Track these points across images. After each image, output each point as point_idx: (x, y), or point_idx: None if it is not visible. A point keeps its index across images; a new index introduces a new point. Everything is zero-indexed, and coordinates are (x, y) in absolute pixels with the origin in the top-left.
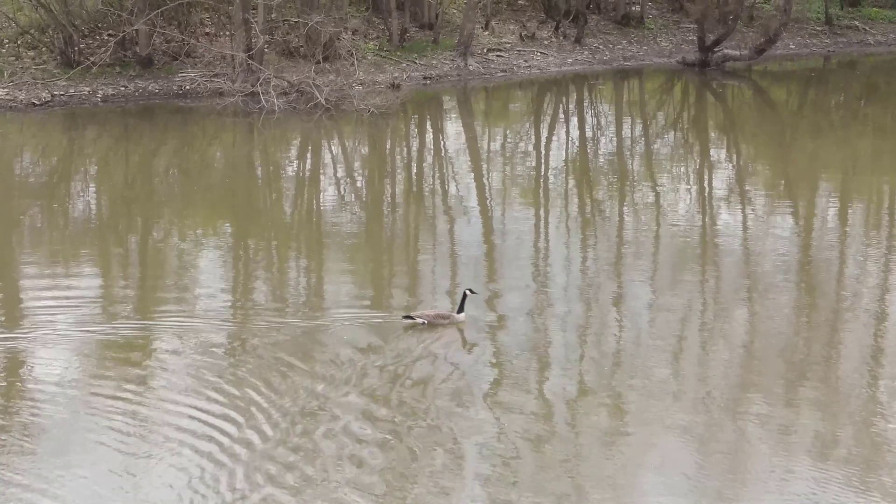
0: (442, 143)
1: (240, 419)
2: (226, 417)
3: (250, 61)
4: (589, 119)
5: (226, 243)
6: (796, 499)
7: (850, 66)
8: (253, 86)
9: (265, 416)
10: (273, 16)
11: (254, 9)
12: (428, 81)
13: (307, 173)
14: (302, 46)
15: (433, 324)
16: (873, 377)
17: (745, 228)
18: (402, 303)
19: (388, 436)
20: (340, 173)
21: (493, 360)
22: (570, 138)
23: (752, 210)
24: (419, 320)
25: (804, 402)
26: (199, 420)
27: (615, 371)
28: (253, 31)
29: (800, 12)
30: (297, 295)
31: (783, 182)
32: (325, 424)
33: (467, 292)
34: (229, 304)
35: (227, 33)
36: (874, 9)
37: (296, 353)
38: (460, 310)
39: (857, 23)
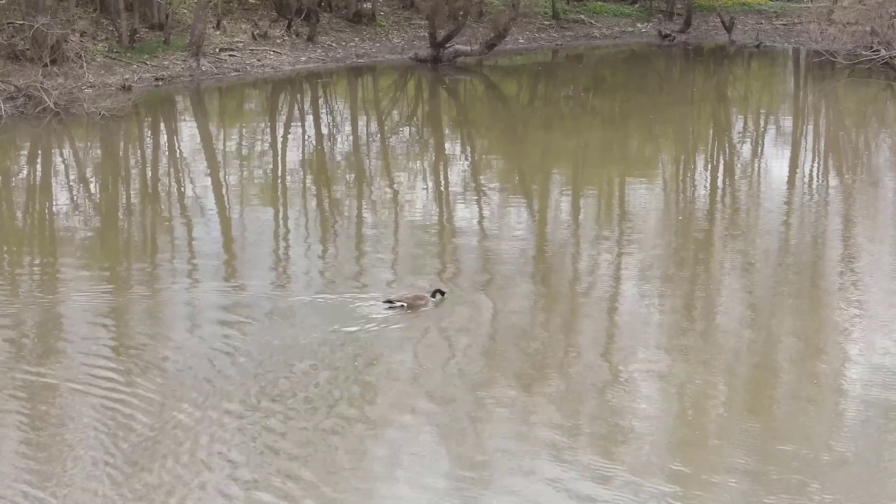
0: (177, 144)
1: None
2: None
3: None
4: (324, 117)
5: None
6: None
7: (577, 60)
8: None
9: None
10: None
11: None
12: (160, 83)
13: (38, 179)
14: (28, 49)
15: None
16: (610, 366)
17: (481, 221)
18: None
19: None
20: (73, 177)
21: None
22: (306, 136)
23: (488, 203)
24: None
25: (542, 392)
26: None
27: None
28: None
29: (528, 7)
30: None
31: (517, 174)
32: None
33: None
34: None
35: None
36: (599, 3)
37: None
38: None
39: (583, 17)
